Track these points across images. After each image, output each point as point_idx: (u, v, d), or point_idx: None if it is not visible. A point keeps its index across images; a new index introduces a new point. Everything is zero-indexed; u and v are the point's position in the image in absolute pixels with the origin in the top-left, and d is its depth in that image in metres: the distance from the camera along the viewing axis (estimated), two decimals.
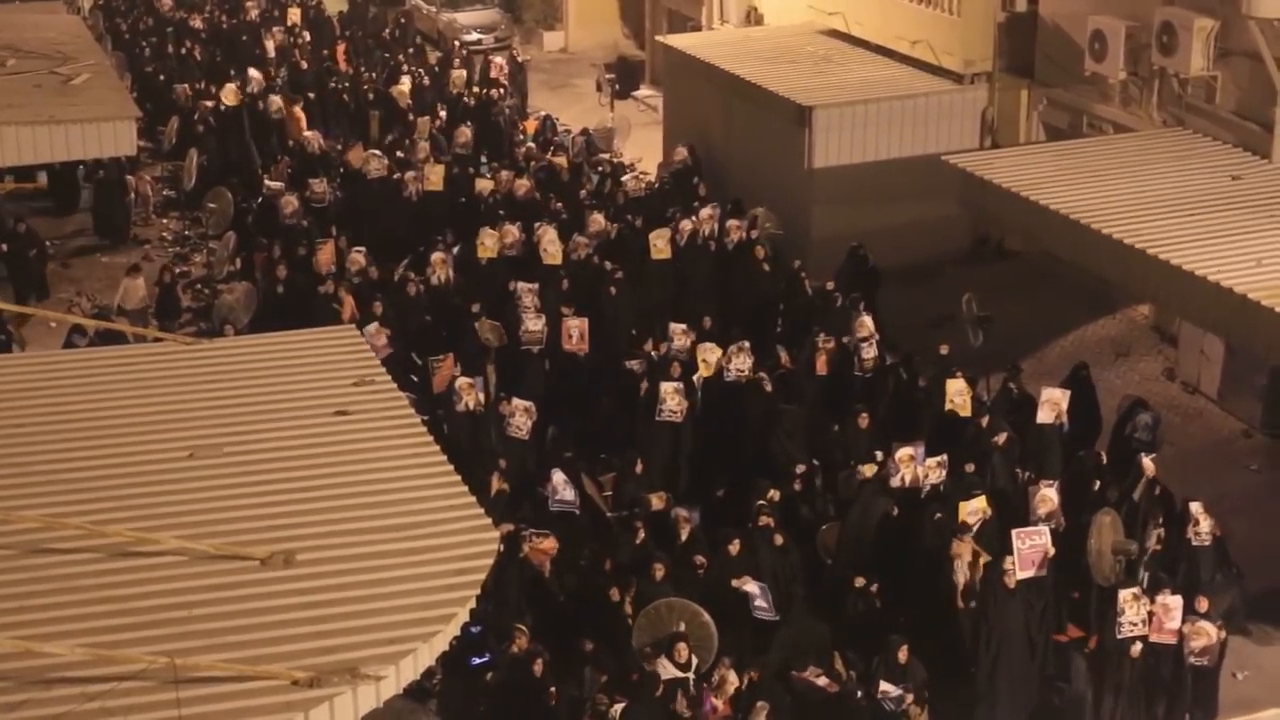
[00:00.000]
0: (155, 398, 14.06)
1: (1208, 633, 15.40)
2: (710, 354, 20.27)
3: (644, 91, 37.94)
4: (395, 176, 27.30)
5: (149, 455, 12.95)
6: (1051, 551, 15.83)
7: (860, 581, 16.33)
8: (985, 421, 18.75)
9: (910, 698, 14.40)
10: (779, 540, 16.73)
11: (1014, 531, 15.79)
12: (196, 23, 38.64)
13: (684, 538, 16.98)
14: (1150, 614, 15.34)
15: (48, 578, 11.03)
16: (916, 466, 17.51)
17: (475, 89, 33.85)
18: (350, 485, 12.55)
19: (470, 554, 11.61)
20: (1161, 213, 19.51)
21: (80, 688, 9.73)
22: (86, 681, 9.77)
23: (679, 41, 31.89)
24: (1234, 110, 22.41)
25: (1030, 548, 15.71)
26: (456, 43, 39.63)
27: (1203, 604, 15.62)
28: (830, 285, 22.93)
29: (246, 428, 13.48)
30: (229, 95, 31.02)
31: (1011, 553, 15.65)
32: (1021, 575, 15.64)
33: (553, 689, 14.97)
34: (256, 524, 11.86)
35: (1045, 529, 16.01)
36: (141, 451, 13.02)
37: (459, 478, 12.85)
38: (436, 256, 23.43)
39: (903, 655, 14.73)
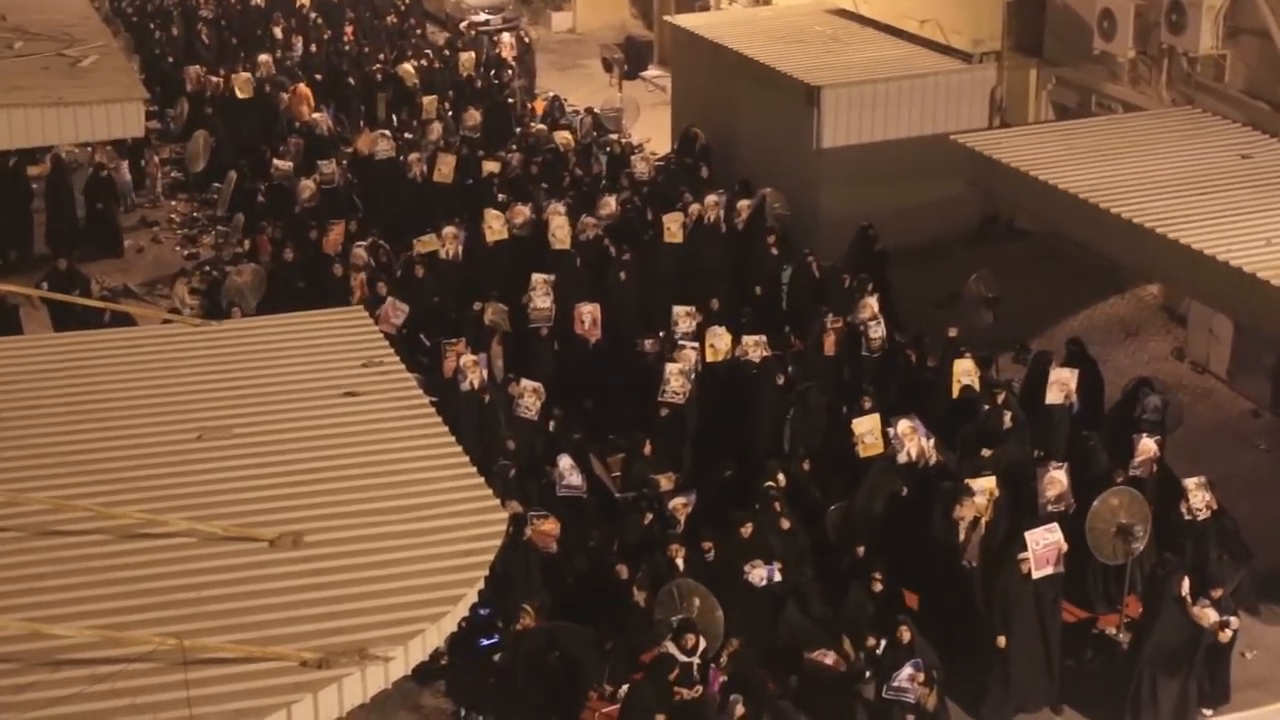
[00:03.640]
0: (164, 379, 14.04)
1: (1209, 620, 15.41)
2: (719, 339, 20.26)
3: (653, 72, 37.82)
4: (402, 159, 27.29)
5: (158, 437, 12.94)
6: (1065, 547, 15.77)
7: (861, 551, 16.40)
8: (1001, 399, 18.69)
9: (921, 676, 14.39)
10: (785, 524, 16.73)
11: (1026, 534, 15.69)
12: (204, 10, 38.38)
13: (682, 527, 16.94)
14: None
15: (57, 560, 11.03)
16: (920, 438, 17.48)
17: (483, 70, 33.79)
18: (359, 467, 12.54)
19: (478, 535, 11.61)
20: (1170, 192, 19.42)
21: (89, 669, 9.73)
22: (95, 663, 9.77)
23: (687, 21, 31.80)
24: (1243, 89, 22.34)
25: (1044, 546, 15.65)
26: (464, 24, 39.54)
27: (1216, 592, 15.58)
28: (839, 265, 22.90)
29: (255, 409, 13.47)
30: (243, 86, 30.91)
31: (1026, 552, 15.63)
32: (1039, 574, 15.63)
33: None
34: (265, 505, 11.86)
35: (1056, 526, 15.87)
36: (150, 433, 13.01)
37: (467, 459, 12.85)
38: (448, 231, 23.39)
39: (905, 636, 14.71)
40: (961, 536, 16.28)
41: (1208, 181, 19.77)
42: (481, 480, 12.55)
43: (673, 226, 23.59)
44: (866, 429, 17.95)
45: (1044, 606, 15.78)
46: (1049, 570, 15.69)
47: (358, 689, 10.06)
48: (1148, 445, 17.49)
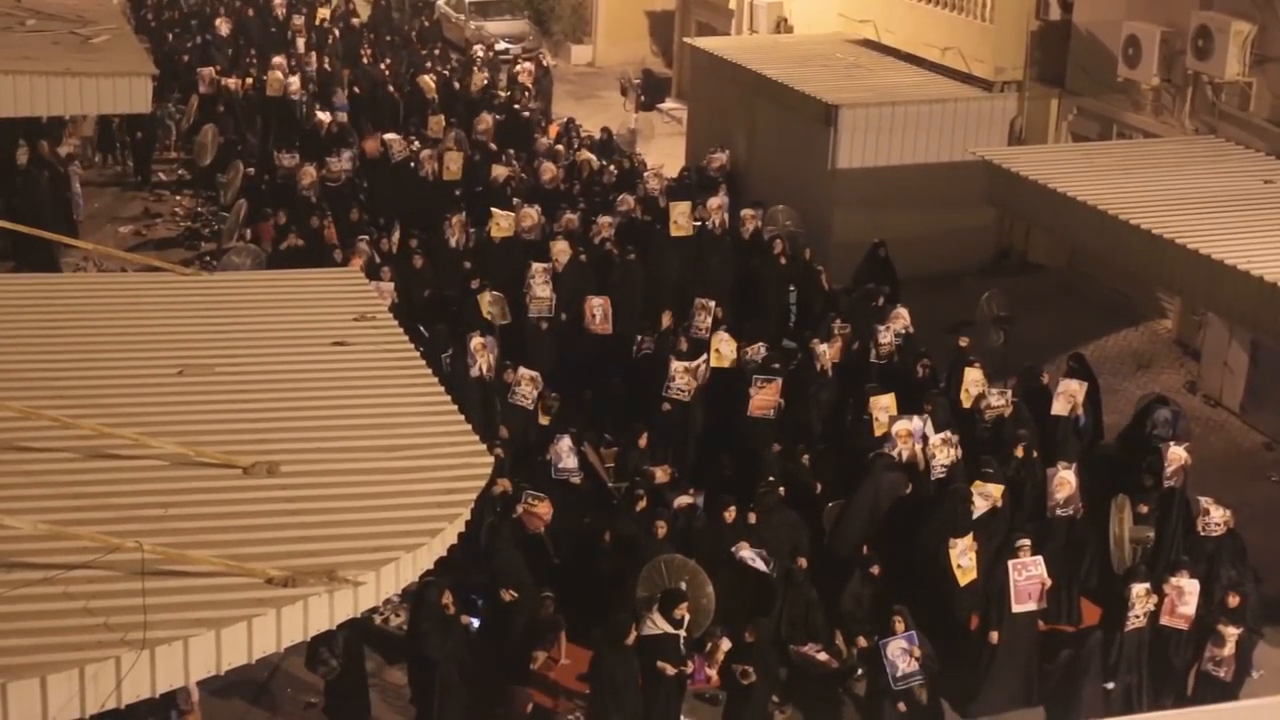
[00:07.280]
0: (153, 320, 13.62)
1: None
2: (725, 344, 19.81)
3: (669, 105, 37.62)
4: (412, 162, 26.94)
5: (140, 373, 12.46)
6: (1049, 583, 15.32)
7: (865, 549, 15.90)
8: (1010, 410, 18.26)
9: (916, 651, 13.88)
10: (783, 518, 16.25)
11: (1010, 563, 15.23)
12: (223, 28, 38.02)
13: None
14: (1163, 596, 14.92)
15: (19, 472, 10.57)
16: (915, 443, 16.99)
17: (498, 90, 33.53)
18: (344, 408, 12.11)
19: (462, 475, 11.16)
20: (1191, 208, 18.95)
21: (42, 573, 9.25)
22: (50, 568, 9.28)
23: (707, 43, 31.56)
24: (1268, 117, 22.01)
25: (1027, 579, 15.20)
26: (480, 46, 39.32)
27: (1233, 600, 15.17)
28: (870, 286, 22.49)
29: (242, 351, 13.04)
30: (273, 84, 30.62)
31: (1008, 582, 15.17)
32: (1019, 609, 15.16)
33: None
34: (243, 437, 11.39)
35: (1041, 560, 15.36)
36: (133, 368, 12.54)
37: (455, 407, 12.40)
38: (456, 219, 23.01)
39: (899, 626, 14.20)
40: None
41: (1229, 201, 19.35)
42: (469, 427, 12.09)
43: (681, 220, 23.17)
44: (883, 406, 17.58)
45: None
46: (1030, 606, 15.25)
47: (324, 611, 9.60)
48: (1178, 453, 17.07)
